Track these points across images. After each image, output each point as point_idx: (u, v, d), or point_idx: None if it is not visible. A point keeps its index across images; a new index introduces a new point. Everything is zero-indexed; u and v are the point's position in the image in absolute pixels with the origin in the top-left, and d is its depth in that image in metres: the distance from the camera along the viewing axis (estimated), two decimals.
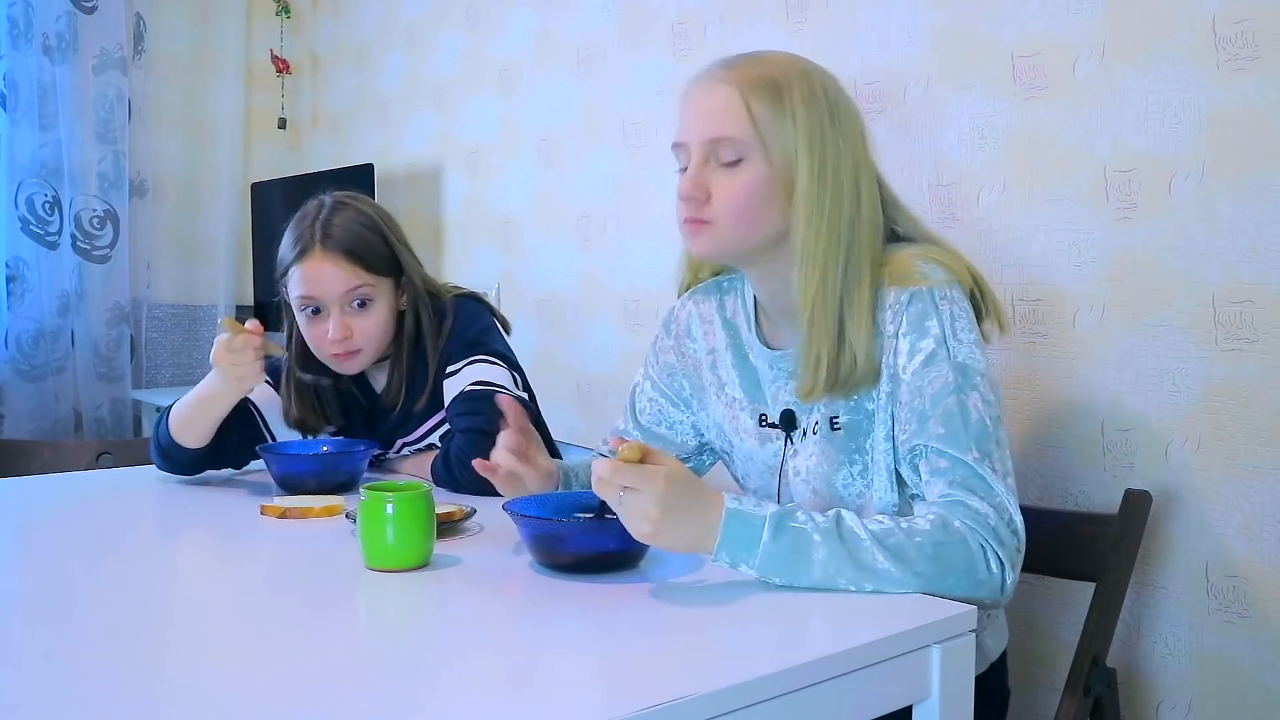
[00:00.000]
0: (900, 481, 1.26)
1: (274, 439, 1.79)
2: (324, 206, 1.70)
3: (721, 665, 0.93)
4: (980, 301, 1.28)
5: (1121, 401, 1.63)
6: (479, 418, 1.63)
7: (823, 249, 1.22)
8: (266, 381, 1.80)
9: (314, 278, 1.65)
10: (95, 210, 3.36)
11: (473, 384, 1.67)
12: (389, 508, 1.18)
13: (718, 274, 1.47)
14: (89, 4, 3.33)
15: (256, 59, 3.75)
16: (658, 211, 2.41)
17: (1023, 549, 1.15)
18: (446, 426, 1.73)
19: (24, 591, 1.19)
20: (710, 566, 1.20)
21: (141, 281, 3.50)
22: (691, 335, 1.46)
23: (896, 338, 1.23)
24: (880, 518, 1.13)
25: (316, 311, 1.67)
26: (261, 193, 3.59)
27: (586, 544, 1.18)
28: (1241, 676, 1.53)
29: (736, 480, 1.46)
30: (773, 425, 1.35)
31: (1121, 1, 1.62)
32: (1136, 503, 1.50)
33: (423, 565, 1.21)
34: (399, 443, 1.80)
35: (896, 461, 1.25)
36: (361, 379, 1.81)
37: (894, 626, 1.01)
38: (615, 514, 1.12)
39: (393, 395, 1.75)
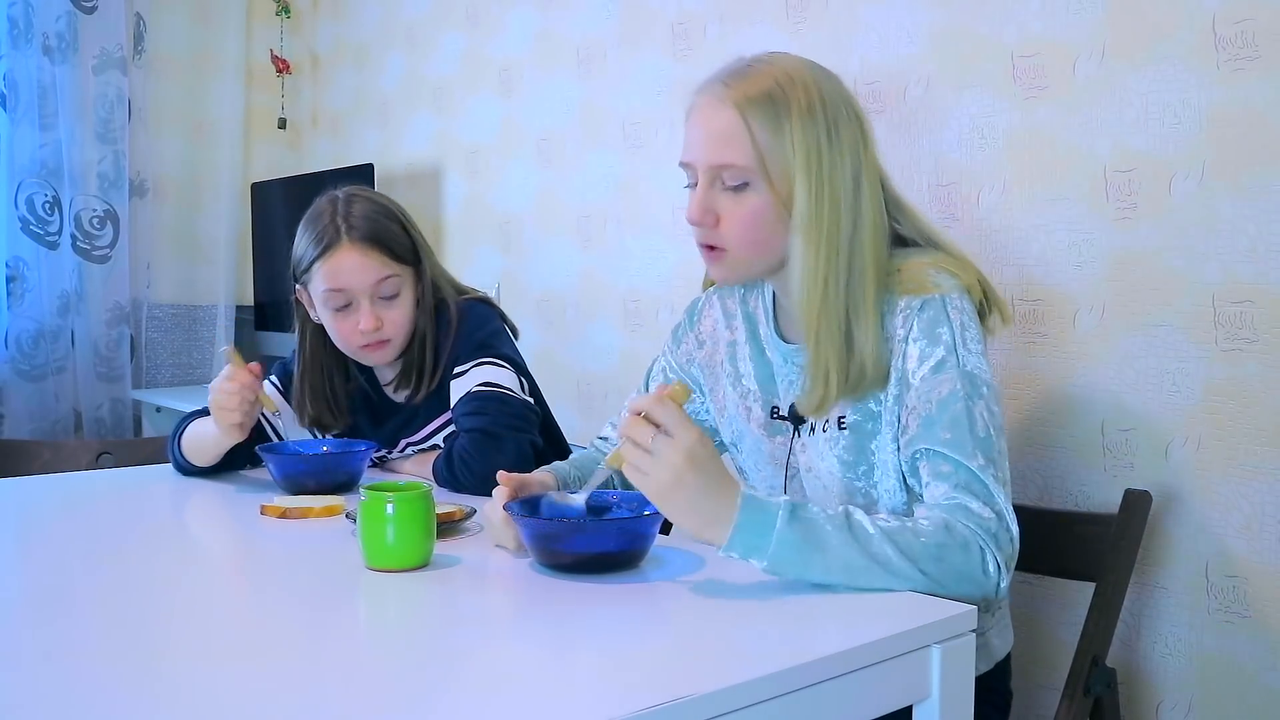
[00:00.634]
0: (909, 486, 1.27)
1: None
2: (339, 200, 1.70)
3: (721, 665, 0.93)
4: (985, 305, 1.30)
5: (1121, 401, 1.63)
6: (484, 418, 1.64)
7: (824, 267, 1.24)
8: (275, 387, 1.81)
9: (344, 270, 1.65)
10: (95, 210, 3.36)
11: (480, 385, 1.67)
12: (389, 508, 1.18)
13: None
14: (89, 4, 3.33)
15: (256, 59, 3.75)
16: (658, 211, 2.41)
17: (1016, 555, 1.18)
18: (451, 427, 1.73)
19: (24, 591, 1.19)
20: (711, 567, 1.20)
21: (141, 281, 3.50)
22: (714, 326, 1.47)
23: (906, 342, 1.25)
24: (885, 516, 1.15)
25: (345, 306, 1.68)
26: (261, 193, 3.59)
27: (587, 544, 1.18)
28: (1242, 676, 1.53)
29: (740, 472, 1.46)
30: (783, 418, 1.37)
31: (1121, 1, 1.62)
32: (1136, 503, 1.50)
33: (423, 565, 1.21)
34: (403, 442, 1.80)
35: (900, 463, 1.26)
36: (370, 375, 1.81)
37: (894, 626, 1.01)
38: (615, 510, 1.11)
39: (400, 389, 1.76)
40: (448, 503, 1.42)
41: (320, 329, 1.75)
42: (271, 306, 3.50)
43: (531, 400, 1.72)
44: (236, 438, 1.65)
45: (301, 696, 0.87)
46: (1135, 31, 1.60)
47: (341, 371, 1.80)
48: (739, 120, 1.24)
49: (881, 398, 1.27)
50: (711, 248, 1.30)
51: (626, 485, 1.32)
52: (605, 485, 1.32)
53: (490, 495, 1.30)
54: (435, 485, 1.63)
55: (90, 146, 3.34)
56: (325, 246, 1.66)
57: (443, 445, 1.76)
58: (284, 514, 1.48)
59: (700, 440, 1.09)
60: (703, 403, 1.49)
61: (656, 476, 1.09)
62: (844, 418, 1.30)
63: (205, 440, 1.70)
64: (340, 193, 1.72)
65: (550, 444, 1.81)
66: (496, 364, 1.70)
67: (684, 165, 1.31)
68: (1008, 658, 1.43)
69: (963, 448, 1.18)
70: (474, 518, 1.41)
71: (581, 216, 2.67)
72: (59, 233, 3.30)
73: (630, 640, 1.02)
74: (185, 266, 3.64)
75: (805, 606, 1.09)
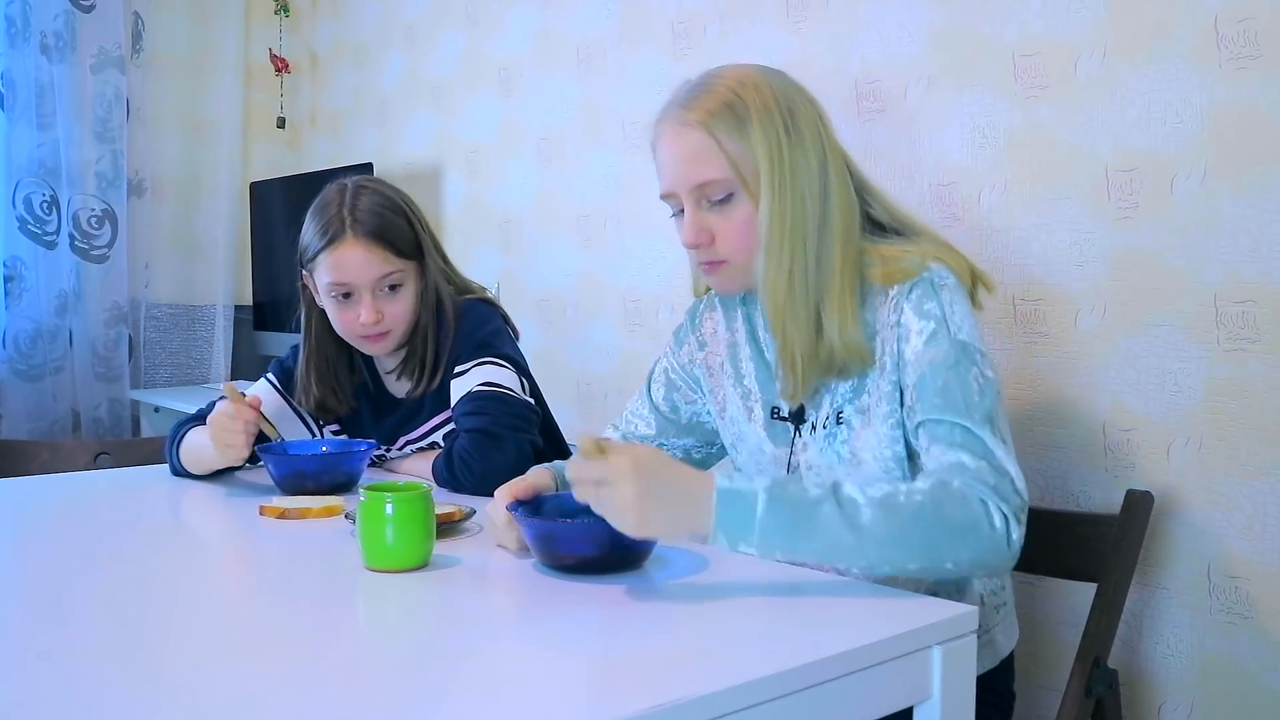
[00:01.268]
0: (910, 473, 1.27)
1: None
2: (347, 191, 1.70)
3: (721, 666, 0.93)
4: (971, 283, 1.31)
5: (1123, 402, 1.63)
6: (484, 418, 1.64)
7: (788, 260, 1.26)
8: (274, 388, 1.81)
9: (346, 265, 1.66)
10: (93, 210, 3.35)
11: (480, 384, 1.67)
12: (388, 508, 1.18)
13: None
14: (87, 3, 3.32)
15: (255, 58, 3.75)
16: (658, 211, 2.39)
17: (1026, 505, 1.15)
18: (451, 426, 1.73)
19: (23, 592, 1.19)
20: (713, 568, 1.20)
21: (140, 281, 3.50)
22: (716, 328, 1.48)
23: (899, 325, 1.26)
24: (880, 484, 1.13)
25: (347, 296, 1.68)
26: (260, 192, 3.59)
27: (590, 545, 1.17)
28: (1243, 677, 1.52)
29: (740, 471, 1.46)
30: (784, 418, 1.37)
31: (1123, 0, 1.62)
32: (1138, 503, 1.49)
33: (423, 565, 1.21)
34: (403, 440, 1.80)
35: (908, 445, 1.26)
36: (372, 368, 1.81)
37: (895, 627, 1.01)
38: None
39: (403, 378, 1.76)
40: (448, 503, 1.42)
41: (325, 315, 1.75)
42: (270, 306, 3.49)
43: (532, 401, 1.72)
44: (236, 462, 1.67)
45: (301, 697, 0.86)
46: (1137, 31, 1.60)
47: (345, 362, 1.81)
48: (707, 137, 1.27)
49: (878, 387, 1.27)
50: (711, 262, 1.32)
51: None
52: None
53: (490, 495, 1.30)
54: (435, 485, 1.63)
55: (88, 146, 3.34)
56: (330, 238, 1.67)
57: (442, 444, 1.76)
58: (283, 514, 1.47)
59: (633, 463, 1.07)
60: (704, 404, 1.49)
61: (621, 521, 1.08)
62: (842, 412, 1.30)
63: (203, 455, 1.70)
64: (350, 182, 1.73)
65: (550, 444, 1.81)
66: (497, 364, 1.70)
67: (665, 197, 1.34)
68: (1011, 657, 1.43)
69: (956, 409, 1.18)
70: (474, 518, 1.41)
71: (581, 216, 2.66)
72: (57, 232, 3.29)
73: (631, 641, 1.02)
74: (184, 266, 3.64)
75: (806, 607, 1.08)
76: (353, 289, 1.67)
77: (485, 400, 1.65)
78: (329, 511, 1.48)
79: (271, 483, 1.64)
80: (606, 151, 2.58)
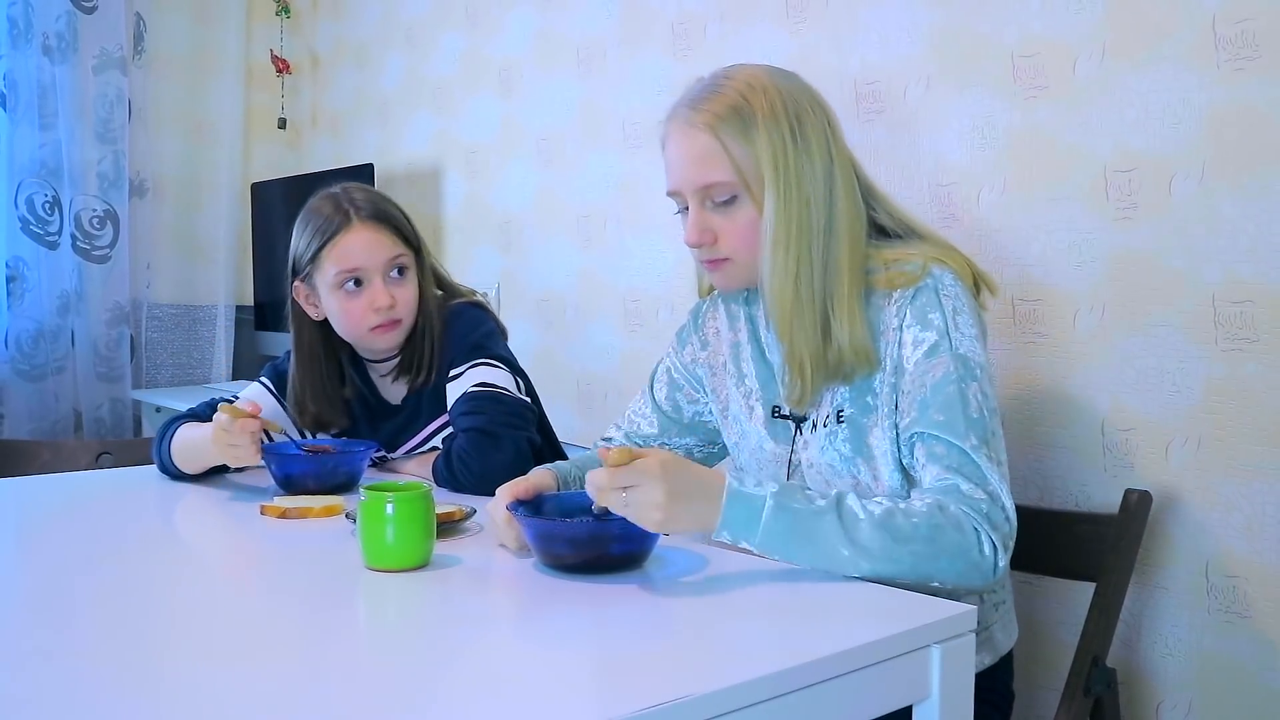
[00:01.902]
0: (907, 472, 1.28)
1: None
2: (338, 193, 1.73)
3: (721, 665, 0.93)
4: (975, 286, 1.33)
5: (1122, 402, 1.63)
6: (481, 418, 1.64)
7: (794, 265, 1.27)
8: (269, 392, 1.80)
9: (356, 249, 1.68)
10: (95, 210, 3.36)
11: (476, 385, 1.68)
12: (389, 508, 1.18)
13: None
14: (89, 4, 3.33)
15: (256, 59, 3.75)
16: (658, 211, 2.40)
17: (1014, 535, 1.19)
18: (448, 430, 1.73)
19: (24, 591, 1.19)
20: (712, 567, 1.20)
21: (141, 281, 3.50)
22: (718, 328, 1.49)
23: (901, 330, 1.27)
24: (879, 499, 1.17)
25: (358, 284, 1.69)
26: (261, 192, 3.59)
27: (590, 544, 1.17)
28: (1242, 676, 1.52)
29: (741, 470, 1.47)
30: (785, 417, 1.38)
31: (1122, 1, 1.62)
32: (1137, 503, 1.50)
33: (423, 565, 1.21)
34: (402, 448, 1.80)
35: (899, 450, 1.27)
36: (366, 377, 1.81)
37: (894, 626, 1.01)
38: (617, 515, 1.12)
39: (399, 379, 1.76)
40: (448, 503, 1.42)
41: (318, 328, 1.75)
42: (271, 306, 3.50)
43: (528, 399, 1.73)
44: (237, 465, 1.67)
45: (301, 696, 0.87)
46: (1135, 31, 1.60)
47: (336, 376, 1.80)
48: (713, 140, 1.28)
49: (879, 388, 1.28)
50: (714, 260, 1.34)
51: None
52: None
53: (490, 494, 1.30)
54: (435, 485, 1.63)
55: (90, 146, 3.34)
56: (335, 230, 1.68)
57: (441, 447, 1.76)
58: (284, 514, 1.48)
59: (662, 466, 1.11)
60: (706, 404, 1.50)
61: (648, 520, 1.12)
62: (842, 411, 1.31)
63: (201, 453, 1.68)
64: (337, 187, 1.76)
65: (545, 444, 1.81)
66: (492, 364, 1.71)
67: (671, 194, 1.35)
68: (1010, 656, 1.43)
69: (955, 429, 1.20)
70: (474, 517, 1.41)
71: (581, 216, 2.67)
72: (59, 233, 3.30)
73: (631, 640, 1.02)
74: (185, 266, 3.64)
75: (805, 606, 1.09)
76: (363, 273, 1.68)
77: (482, 400, 1.66)
78: (329, 511, 1.48)
79: (271, 482, 1.65)
80: (606, 152, 2.58)
